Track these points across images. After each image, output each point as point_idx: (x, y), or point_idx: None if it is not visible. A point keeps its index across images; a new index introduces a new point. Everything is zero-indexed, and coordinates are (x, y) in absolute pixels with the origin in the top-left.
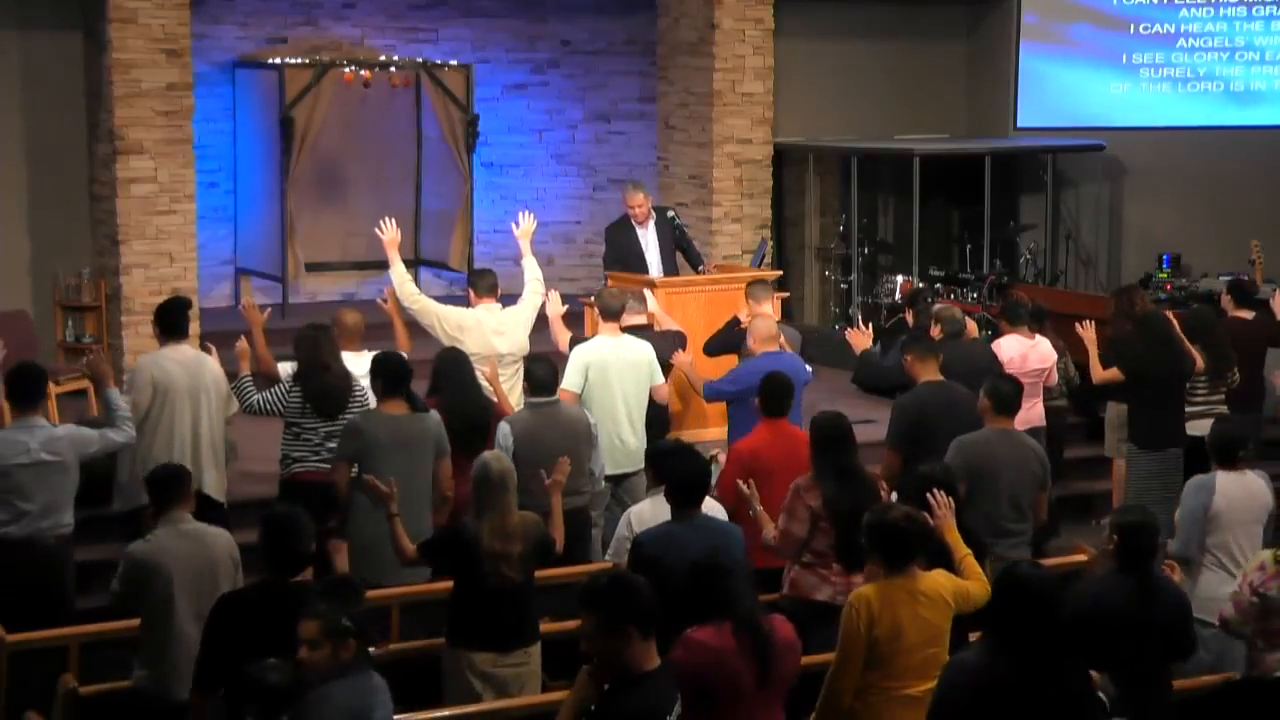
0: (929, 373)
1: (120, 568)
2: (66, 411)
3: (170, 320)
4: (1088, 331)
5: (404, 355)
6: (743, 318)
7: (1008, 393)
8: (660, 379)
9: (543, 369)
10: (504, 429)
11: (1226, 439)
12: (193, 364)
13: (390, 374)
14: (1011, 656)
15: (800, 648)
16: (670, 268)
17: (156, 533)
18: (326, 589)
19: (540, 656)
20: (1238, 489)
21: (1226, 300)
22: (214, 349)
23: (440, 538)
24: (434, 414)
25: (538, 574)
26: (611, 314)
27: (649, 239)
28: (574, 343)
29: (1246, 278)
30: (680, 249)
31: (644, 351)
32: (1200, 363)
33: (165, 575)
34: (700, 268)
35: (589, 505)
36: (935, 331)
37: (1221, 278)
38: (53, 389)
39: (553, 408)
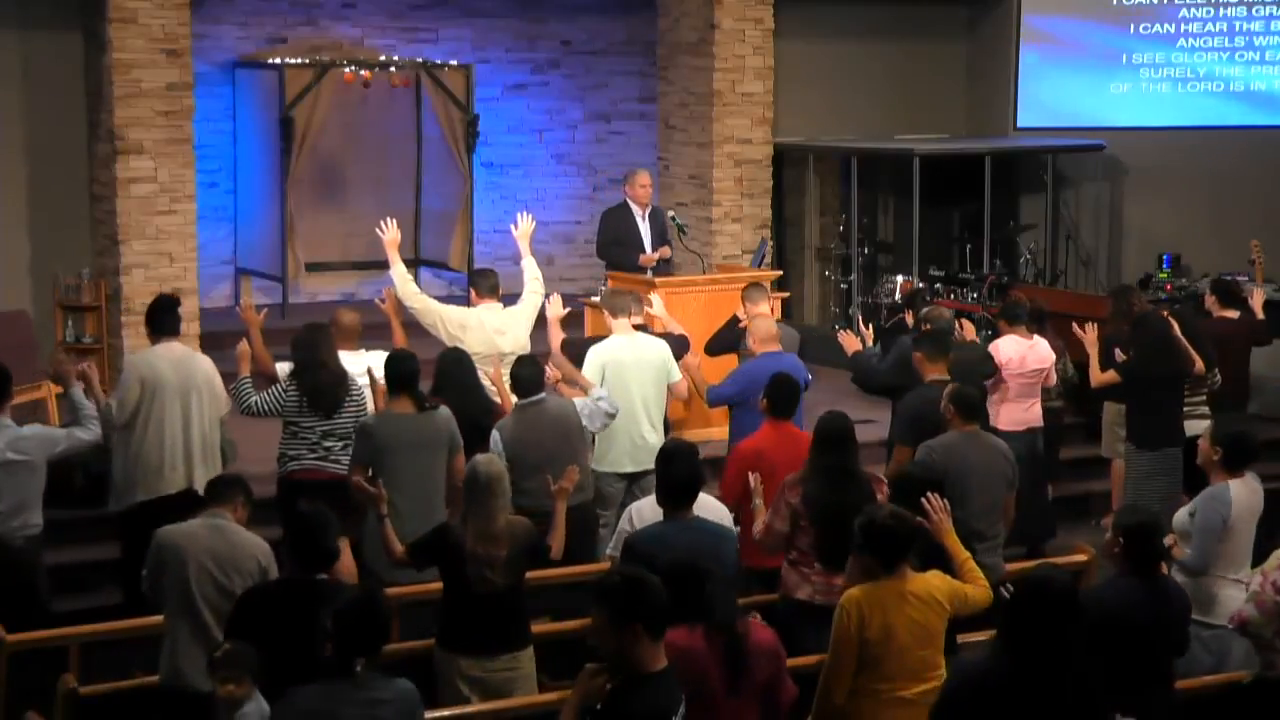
0: (937, 371)
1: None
2: (64, 411)
3: (159, 318)
4: (1089, 334)
5: (414, 354)
6: (741, 316)
7: (972, 399)
8: (678, 376)
9: (527, 370)
10: (495, 436)
11: (1245, 444)
12: (183, 361)
13: (397, 373)
14: (1016, 657)
15: (782, 654)
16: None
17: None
18: (347, 605)
19: (533, 660)
20: (1245, 495)
21: (1211, 301)
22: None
23: (427, 539)
24: (444, 410)
25: (539, 574)
26: (622, 311)
27: (646, 226)
28: (586, 344)
29: (1230, 277)
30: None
31: (660, 349)
32: (1200, 364)
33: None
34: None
35: (591, 503)
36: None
37: (1223, 277)
38: (51, 389)
39: (539, 407)
